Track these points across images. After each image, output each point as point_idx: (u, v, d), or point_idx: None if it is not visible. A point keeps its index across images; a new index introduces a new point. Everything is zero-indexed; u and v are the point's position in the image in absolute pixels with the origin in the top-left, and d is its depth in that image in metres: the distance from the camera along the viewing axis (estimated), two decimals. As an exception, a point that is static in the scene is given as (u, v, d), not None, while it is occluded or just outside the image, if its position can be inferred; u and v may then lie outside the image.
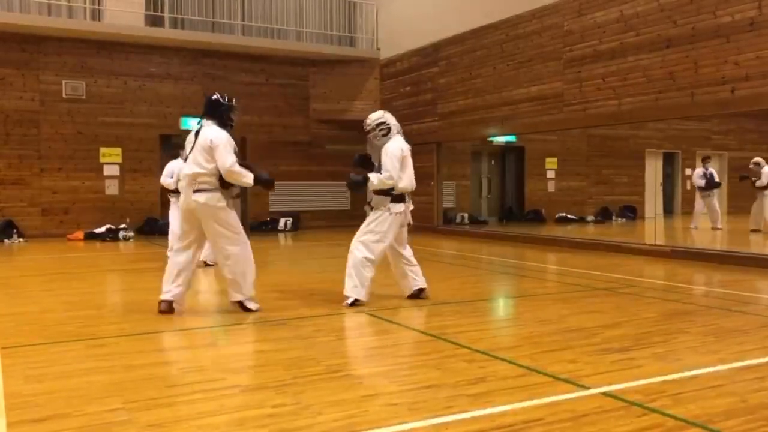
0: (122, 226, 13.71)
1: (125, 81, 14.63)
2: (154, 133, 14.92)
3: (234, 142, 5.66)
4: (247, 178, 5.55)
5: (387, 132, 6.16)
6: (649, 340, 4.66)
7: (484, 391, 3.53)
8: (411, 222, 6.33)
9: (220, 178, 5.53)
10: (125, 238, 13.33)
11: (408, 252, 6.30)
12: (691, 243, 12.11)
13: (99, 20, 14.18)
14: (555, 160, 17.88)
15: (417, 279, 6.32)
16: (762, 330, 5.07)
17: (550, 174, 17.95)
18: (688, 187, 19.26)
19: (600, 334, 4.87)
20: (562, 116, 11.69)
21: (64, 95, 14.06)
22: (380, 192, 6.04)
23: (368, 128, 6.20)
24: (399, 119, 6.42)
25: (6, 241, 12.95)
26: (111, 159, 14.45)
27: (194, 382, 3.73)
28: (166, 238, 10.84)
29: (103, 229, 13.75)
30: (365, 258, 5.99)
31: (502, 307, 6.60)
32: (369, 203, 6.18)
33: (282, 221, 15.85)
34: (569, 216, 17.51)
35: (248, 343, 4.78)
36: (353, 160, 6.35)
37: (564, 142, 17.53)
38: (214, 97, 5.77)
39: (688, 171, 19.22)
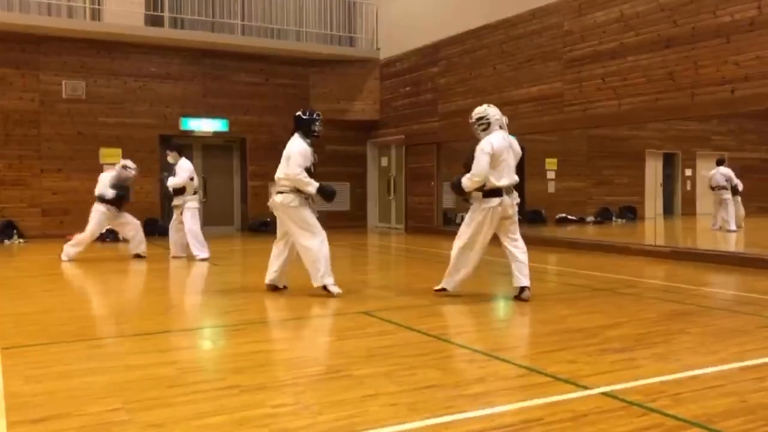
0: (122, 226, 13.68)
1: (125, 81, 14.63)
2: (154, 134, 14.91)
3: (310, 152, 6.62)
4: (311, 187, 6.40)
5: (486, 127, 6.30)
6: (649, 340, 4.66)
7: (484, 391, 3.53)
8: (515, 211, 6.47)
9: None
10: (125, 239, 13.30)
11: (511, 244, 6.35)
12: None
13: (99, 20, 14.17)
14: (555, 160, 17.85)
15: (518, 276, 6.31)
16: (762, 330, 5.07)
17: (550, 174, 17.92)
18: (688, 188, 19.28)
19: (600, 334, 4.87)
20: (562, 116, 11.69)
21: (64, 95, 14.05)
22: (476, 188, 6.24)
23: (471, 122, 6.42)
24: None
25: (6, 241, 12.95)
26: (111, 159, 14.37)
27: (194, 382, 3.73)
28: (167, 239, 10.90)
29: (103, 230, 13.72)
30: (459, 248, 6.27)
31: (502, 307, 6.59)
32: (466, 199, 6.47)
33: (282, 221, 15.81)
34: (569, 216, 17.49)
35: (248, 343, 4.78)
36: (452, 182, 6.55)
37: (564, 143, 17.49)
38: (297, 113, 6.85)
39: (688, 171, 19.23)
